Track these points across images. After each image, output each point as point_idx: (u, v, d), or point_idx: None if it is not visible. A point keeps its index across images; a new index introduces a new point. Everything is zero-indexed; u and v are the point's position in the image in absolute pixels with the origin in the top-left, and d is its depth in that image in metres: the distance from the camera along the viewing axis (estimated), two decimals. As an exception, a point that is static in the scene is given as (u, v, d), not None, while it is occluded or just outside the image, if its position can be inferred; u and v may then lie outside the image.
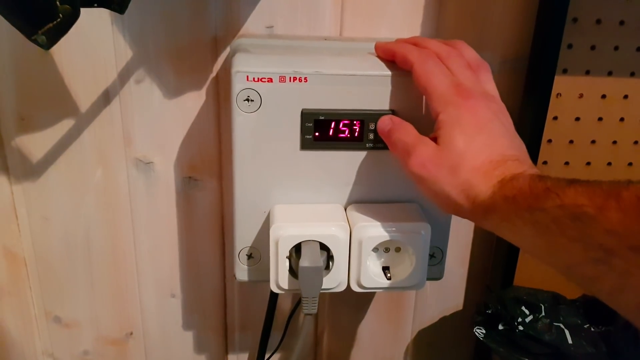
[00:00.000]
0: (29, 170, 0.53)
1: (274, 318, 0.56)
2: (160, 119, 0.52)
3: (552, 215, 0.31)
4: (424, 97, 0.42)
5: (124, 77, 0.51)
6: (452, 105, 0.38)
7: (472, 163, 0.36)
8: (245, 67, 0.41)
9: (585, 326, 0.55)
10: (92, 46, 0.49)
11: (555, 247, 0.31)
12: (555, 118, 0.54)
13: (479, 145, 0.37)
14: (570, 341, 0.54)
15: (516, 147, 0.38)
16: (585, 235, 0.29)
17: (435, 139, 0.39)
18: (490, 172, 0.36)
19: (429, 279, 0.47)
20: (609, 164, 0.56)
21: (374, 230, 0.43)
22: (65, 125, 0.52)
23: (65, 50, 0.49)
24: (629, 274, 0.27)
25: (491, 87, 0.42)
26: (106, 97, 0.51)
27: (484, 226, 0.37)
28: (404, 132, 0.41)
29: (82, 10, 0.36)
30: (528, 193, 0.33)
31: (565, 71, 0.52)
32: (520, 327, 0.55)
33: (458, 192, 0.37)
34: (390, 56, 0.43)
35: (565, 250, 0.31)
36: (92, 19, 0.48)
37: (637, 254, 0.27)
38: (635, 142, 0.56)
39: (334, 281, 0.44)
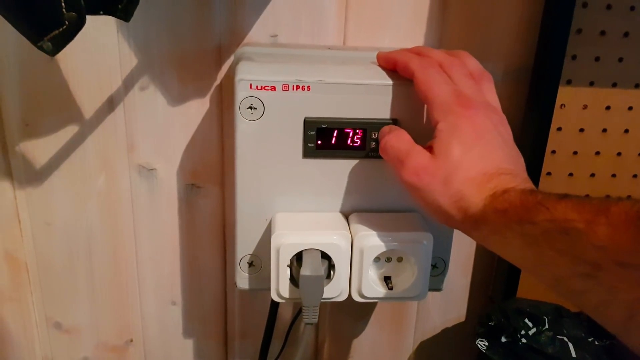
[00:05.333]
0: (33, 176, 0.53)
1: (274, 327, 0.56)
2: (164, 126, 0.53)
3: (541, 229, 0.31)
4: (425, 106, 0.42)
5: (128, 84, 0.51)
6: (452, 114, 0.38)
7: (466, 174, 0.36)
8: (249, 75, 0.42)
9: (589, 339, 0.54)
10: (97, 53, 0.50)
11: (544, 260, 0.32)
12: (559, 129, 0.54)
13: (474, 157, 0.37)
14: (573, 354, 0.53)
15: (512, 160, 0.38)
16: (573, 250, 0.29)
17: (431, 147, 0.39)
18: (483, 185, 0.36)
19: (430, 289, 0.47)
20: (614, 175, 0.56)
21: (376, 240, 0.43)
22: (69, 131, 0.52)
23: (71, 56, 0.50)
24: (616, 289, 0.28)
25: (493, 97, 0.41)
26: (110, 104, 0.52)
27: (474, 237, 0.38)
28: (397, 139, 0.40)
29: (88, 17, 0.37)
30: (519, 206, 0.33)
31: (569, 82, 0.52)
32: (523, 340, 0.54)
33: (450, 203, 0.37)
34: (391, 65, 0.43)
35: (553, 263, 0.31)
36: (97, 26, 0.49)
37: (624, 269, 0.27)
38: (640, 154, 0.56)
39: (335, 290, 0.44)
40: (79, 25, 0.34)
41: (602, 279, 0.28)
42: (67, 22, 0.34)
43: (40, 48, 0.35)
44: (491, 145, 0.37)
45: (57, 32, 0.34)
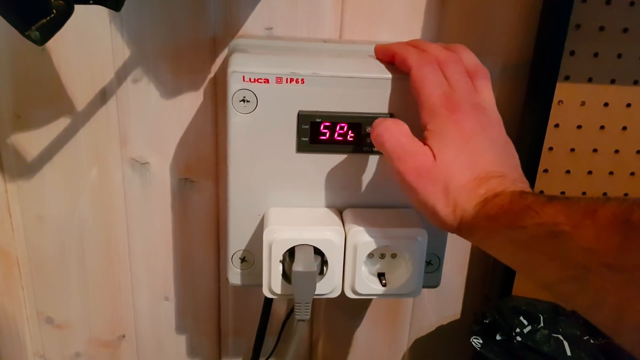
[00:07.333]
0: (24, 169, 0.53)
1: (268, 323, 0.55)
2: (157, 119, 0.52)
3: (531, 233, 0.31)
4: None
5: (121, 76, 0.50)
6: (438, 117, 0.38)
7: (457, 181, 0.36)
8: (242, 67, 0.41)
9: (585, 338, 0.54)
10: (90, 44, 0.49)
11: (534, 264, 0.32)
12: (556, 125, 0.53)
13: (464, 162, 0.37)
14: (569, 353, 0.53)
15: (502, 161, 0.38)
16: (562, 253, 0.29)
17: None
18: (474, 191, 0.36)
19: (425, 286, 0.47)
20: (611, 173, 0.56)
21: (370, 236, 0.42)
22: (61, 123, 0.52)
23: (63, 48, 0.49)
24: (604, 292, 0.27)
25: (487, 94, 0.41)
26: (103, 96, 0.51)
27: (470, 241, 0.38)
28: (398, 130, 0.39)
29: (80, 7, 0.36)
30: (509, 210, 0.33)
31: (567, 78, 0.52)
32: (519, 338, 0.54)
33: (448, 212, 0.37)
34: (389, 57, 0.43)
35: (544, 267, 0.31)
36: (90, 16, 0.48)
37: (612, 272, 0.27)
38: (638, 152, 0.55)
39: (328, 287, 0.43)
40: (67, 14, 0.34)
41: (590, 281, 0.28)
42: (54, 11, 0.33)
43: (28, 37, 0.34)
44: (479, 149, 0.37)
45: (44, 20, 0.33)
